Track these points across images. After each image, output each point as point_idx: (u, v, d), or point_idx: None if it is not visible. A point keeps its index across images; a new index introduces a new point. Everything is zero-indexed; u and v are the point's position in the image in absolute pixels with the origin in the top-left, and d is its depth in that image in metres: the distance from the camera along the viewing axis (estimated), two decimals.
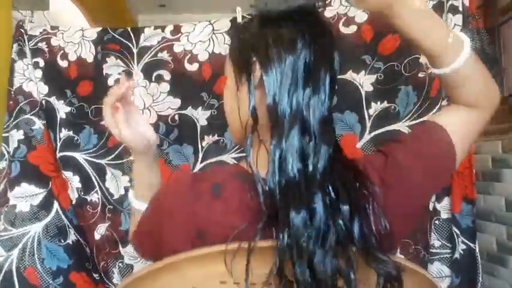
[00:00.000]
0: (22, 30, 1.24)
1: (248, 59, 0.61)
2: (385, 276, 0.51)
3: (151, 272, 0.54)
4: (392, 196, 0.59)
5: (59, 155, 1.22)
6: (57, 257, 1.13)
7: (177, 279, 0.53)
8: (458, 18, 1.06)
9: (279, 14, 0.61)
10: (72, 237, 1.17)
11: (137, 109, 0.78)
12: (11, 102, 1.20)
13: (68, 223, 1.17)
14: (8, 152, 1.16)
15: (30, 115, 1.18)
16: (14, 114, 1.18)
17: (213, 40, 1.20)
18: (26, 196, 1.14)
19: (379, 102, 1.12)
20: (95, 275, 1.18)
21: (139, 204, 0.77)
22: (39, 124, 1.19)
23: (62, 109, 1.23)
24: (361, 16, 1.11)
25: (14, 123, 1.18)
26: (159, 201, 0.64)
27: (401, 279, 0.52)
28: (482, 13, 1.11)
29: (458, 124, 0.63)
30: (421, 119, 1.06)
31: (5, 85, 1.22)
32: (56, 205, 1.16)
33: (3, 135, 1.19)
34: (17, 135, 1.17)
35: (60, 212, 1.16)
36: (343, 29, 1.12)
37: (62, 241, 1.14)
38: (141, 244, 0.71)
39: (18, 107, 1.19)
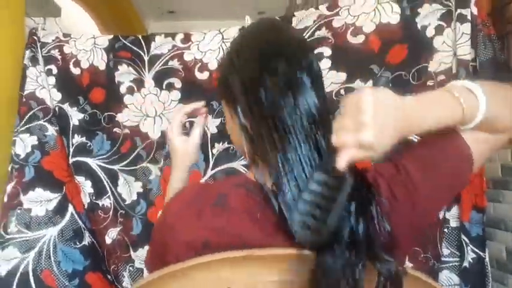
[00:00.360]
0: (35, 38, 1.26)
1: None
2: (387, 276, 0.51)
3: (160, 278, 0.55)
4: (400, 209, 0.59)
5: (71, 160, 1.24)
6: (73, 259, 1.15)
7: (186, 285, 0.55)
8: (466, 27, 1.07)
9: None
10: (87, 239, 1.19)
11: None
12: (22, 107, 1.22)
13: (83, 225, 1.20)
14: (17, 155, 1.17)
15: (44, 121, 1.21)
16: (25, 119, 1.20)
17: (222, 49, 1.22)
18: (41, 201, 1.17)
19: None
20: (109, 276, 1.21)
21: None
22: (51, 130, 1.21)
23: (75, 116, 1.26)
24: (369, 26, 1.12)
25: (25, 127, 1.19)
26: (164, 215, 0.65)
27: (401, 280, 0.52)
28: (491, 22, 1.11)
29: (478, 141, 0.60)
30: None
31: (17, 90, 1.24)
32: (70, 208, 1.19)
33: (13, 138, 1.20)
34: (30, 140, 1.20)
35: (76, 215, 1.19)
36: (351, 39, 1.13)
37: (78, 243, 1.17)
38: (152, 266, 0.70)
39: (31, 113, 1.21)
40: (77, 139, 1.25)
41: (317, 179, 0.55)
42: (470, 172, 0.61)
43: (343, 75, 1.14)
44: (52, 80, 1.26)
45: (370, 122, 0.48)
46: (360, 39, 1.13)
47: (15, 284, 1.08)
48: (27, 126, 1.20)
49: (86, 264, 1.15)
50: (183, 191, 0.67)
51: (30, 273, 1.09)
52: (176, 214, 0.61)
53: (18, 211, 1.14)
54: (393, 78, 1.11)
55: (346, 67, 1.13)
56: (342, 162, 0.49)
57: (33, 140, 1.20)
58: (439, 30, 1.10)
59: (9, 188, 1.16)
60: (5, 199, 1.16)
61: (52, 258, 1.13)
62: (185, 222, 0.59)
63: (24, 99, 1.22)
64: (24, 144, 1.20)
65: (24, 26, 1.32)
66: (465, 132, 0.60)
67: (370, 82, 1.13)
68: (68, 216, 1.17)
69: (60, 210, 1.17)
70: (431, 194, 0.60)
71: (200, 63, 1.23)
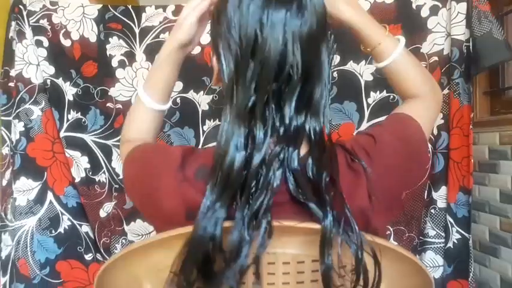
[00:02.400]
0: (21, 6, 1.22)
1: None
2: (357, 249, 0.52)
3: (144, 247, 0.57)
4: (378, 172, 0.60)
5: (64, 134, 1.24)
6: (46, 248, 1.21)
7: (168, 254, 0.56)
8: (462, 7, 1.07)
9: None
10: (64, 224, 1.22)
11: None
12: (13, 90, 1.22)
13: (62, 210, 1.22)
14: (11, 141, 1.21)
15: (29, 104, 1.21)
16: (16, 103, 1.21)
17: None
18: (23, 190, 1.21)
19: (378, 92, 1.13)
20: (87, 256, 1.24)
21: (144, 96, 0.75)
22: (37, 112, 1.21)
23: (70, 91, 1.25)
24: (363, 5, 1.11)
25: (15, 113, 1.21)
26: (149, 159, 0.64)
27: (375, 255, 0.53)
28: (487, 1, 1.10)
29: (415, 114, 0.70)
30: None
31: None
32: (49, 196, 1.22)
33: (3, 118, 1.22)
34: (18, 126, 1.21)
35: (54, 201, 1.22)
36: None
37: (53, 231, 1.21)
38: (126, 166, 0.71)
39: (19, 96, 1.21)
40: (73, 115, 1.25)
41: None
42: (426, 140, 0.70)
43: (336, 58, 1.14)
44: (43, 52, 1.23)
45: None
46: None
47: (8, 269, 1.18)
48: (17, 111, 1.21)
49: (58, 253, 1.21)
50: (169, 150, 0.66)
51: (10, 262, 1.18)
52: (162, 172, 0.61)
53: (11, 200, 1.20)
54: None
55: (339, 49, 1.12)
56: None
57: (20, 126, 1.21)
58: (434, 10, 1.10)
59: (7, 174, 1.21)
60: (3, 183, 1.21)
61: (28, 247, 1.20)
62: (170, 188, 0.59)
63: (14, 82, 1.22)
64: (15, 130, 1.22)
65: None
66: (406, 107, 0.73)
67: (362, 63, 1.13)
68: (46, 205, 1.22)
69: (40, 199, 1.22)
70: (406, 158, 0.64)
71: None
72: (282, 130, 0.56)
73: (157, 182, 0.60)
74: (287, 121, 0.56)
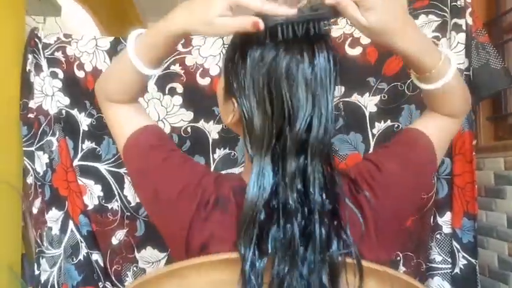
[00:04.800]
0: (36, 40, 1.26)
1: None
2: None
3: (157, 277, 0.58)
4: (381, 203, 0.62)
5: (78, 163, 1.27)
6: (70, 275, 1.24)
7: (181, 285, 0.58)
8: (461, 37, 1.09)
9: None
10: (83, 251, 1.25)
11: None
12: (34, 122, 1.27)
13: (80, 238, 1.25)
14: (37, 173, 1.25)
15: (50, 136, 1.26)
16: (38, 136, 1.26)
17: (223, 54, 1.24)
18: (55, 220, 1.25)
19: (382, 122, 1.15)
20: (99, 284, 1.25)
21: (136, 59, 0.67)
22: (55, 143, 1.25)
23: (84, 121, 1.28)
24: (366, 37, 1.15)
25: (39, 144, 1.26)
26: (168, 161, 0.67)
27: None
28: (488, 31, 1.13)
29: (436, 131, 0.69)
30: None
31: (17, 88, 1.28)
32: (71, 225, 1.25)
33: (25, 149, 1.27)
34: (43, 158, 1.26)
35: (74, 230, 1.25)
36: (349, 51, 1.15)
37: (74, 259, 1.24)
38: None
39: (41, 129, 1.26)
40: (87, 144, 1.28)
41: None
42: (436, 162, 0.69)
43: (341, 89, 1.16)
44: (58, 83, 1.27)
45: None
46: (358, 51, 1.15)
47: None
48: (41, 143, 1.26)
49: (78, 280, 1.24)
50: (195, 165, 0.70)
51: (55, 286, 1.24)
52: (175, 199, 0.63)
53: (46, 229, 1.24)
54: (389, 89, 1.14)
55: (344, 80, 1.13)
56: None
57: (45, 158, 1.26)
58: (434, 41, 1.13)
59: (37, 203, 1.25)
60: (34, 211, 1.26)
61: (62, 274, 1.24)
62: (184, 215, 0.62)
63: (34, 113, 1.26)
64: (41, 162, 1.26)
65: (25, 25, 1.33)
66: (425, 121, 0.70)
67: (366, 94, 1.16)
68: (68, 233, 1.25)
69: (63, 228, 1.25)
70: (410, 183, 0.66)
71: (202, 69, 1.23)
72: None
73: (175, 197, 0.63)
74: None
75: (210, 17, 0.58)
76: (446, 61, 0.65)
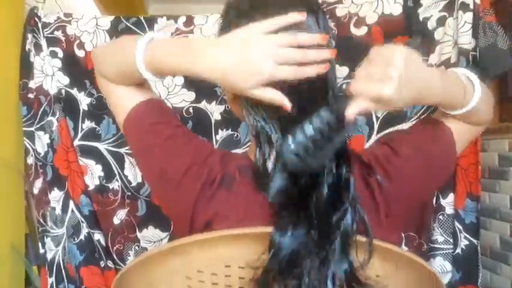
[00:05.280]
0: (36, 19, 1.24)
1: None
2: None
3: (160, 253, 0.59)
4: (395, 188, 0.62)
5: (78, 143, 1.26)
6: (73, 254, 1.24)
7: (183, 261, 0.58)
8: (468, 16, 1.07)
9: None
10: (84, 231, 1.25)
11: None
12: (34, 102, 1.25)
13: (81, 217, 1.25)
14: (38, 153, 1.24)
15: (50, 116, 1.24)
16: (38, 116, 1.24)
17: None
18: (57, 200, 1.25)
19: None
20: (101, 262, 1.26)
21: (143, 68, 0.64)
22: (54, 123, 1.24)
23: (84, 101, 1.27)
24: (371, 17, 1.13)
25: (39, 124, 1.24)
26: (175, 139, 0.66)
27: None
28: (495, 10, 1.11)
29: (459, 131, 0.68)
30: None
31: (16, 69, 1.26)
32: (71, 205, 1.24)
33: (25, 129, 1.26)
34: (44, 138, 1.24)
35: (75, 210, 1.24)
36: (354, 31, 1.13)
37: (76, 239, 1.24)
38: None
39: (41, 109, 1.24)
40: (87, 124, 1.27)
41: (322, 115, 0.55)
42: (455, 155, 0.68)
43: (345, 70, 1.14)
44: (58, 62, 1.26)
45: (397, 77, 0.49)
46: (363, 31, 1.13)
47: (54, 271, 1.24)
48: (41, 123, 1.24)
49: (80, 260, 1.24)
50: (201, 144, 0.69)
51: (61, 264, 1.24)
52: (180, 178, 0.63)
53: (49, 209, 1.24)
54: None
55: (348, 60, 1.12)
56: (353, 110, 0.51)
57: (46, 138, 1.25)
58: (440, 21, 1.11)
59: (37, 183, 1.25)
60: (35, 191, 1.26)
61: (66, 253, 1.25)
62: (189, 195, 0.62)
63: (34, 93, 1.25)
64: (42, 142, 1.25)
65: (24, 4, 1.30)
66: (449, 121, 0.66)
67: None
68: (69, 213, 1.24)
69: (64, 208, 1.25)
70: (423, 172, 0.65)
71: None
72: None
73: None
74: None
75: (242, 89, 0.57)
76: (469, 90, 0.63)
